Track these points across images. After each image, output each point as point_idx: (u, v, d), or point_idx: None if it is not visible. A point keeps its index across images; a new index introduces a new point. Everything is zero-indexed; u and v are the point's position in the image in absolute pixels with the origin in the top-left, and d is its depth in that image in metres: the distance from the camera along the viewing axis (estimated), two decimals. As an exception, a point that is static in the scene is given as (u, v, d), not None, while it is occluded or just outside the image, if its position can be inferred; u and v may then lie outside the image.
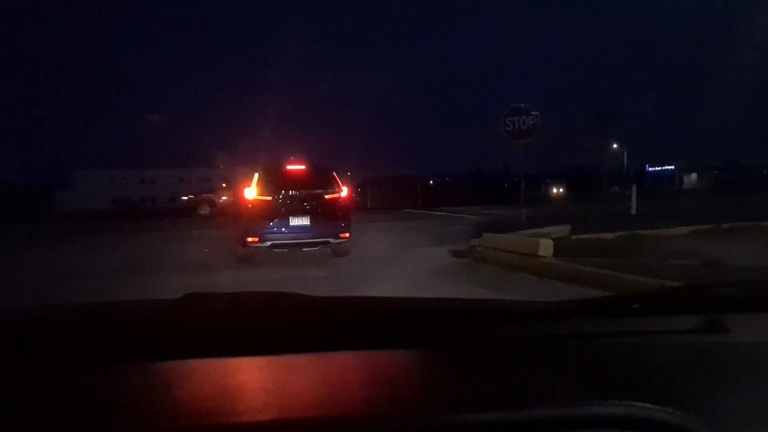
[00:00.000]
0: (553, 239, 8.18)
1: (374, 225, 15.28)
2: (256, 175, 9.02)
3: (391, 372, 0.97)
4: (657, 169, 65.80)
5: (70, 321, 1.18)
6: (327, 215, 8.89)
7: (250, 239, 8.57)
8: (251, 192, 8.83)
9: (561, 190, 52.11)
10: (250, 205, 8.79)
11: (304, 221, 8.75)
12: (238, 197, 9.40)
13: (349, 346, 1.04)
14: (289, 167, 9.40)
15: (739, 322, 1.12)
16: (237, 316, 1.17)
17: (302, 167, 9.46)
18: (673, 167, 65.64)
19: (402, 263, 8.43)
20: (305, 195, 8.92)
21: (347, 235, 9.00)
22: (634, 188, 14.51)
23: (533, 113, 11.30)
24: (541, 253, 7.01)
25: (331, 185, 9.28)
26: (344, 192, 9.29)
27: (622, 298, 1.44)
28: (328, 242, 8.89)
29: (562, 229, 10.03)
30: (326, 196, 9.09)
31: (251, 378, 0.94)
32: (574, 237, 9.52)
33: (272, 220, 8.64)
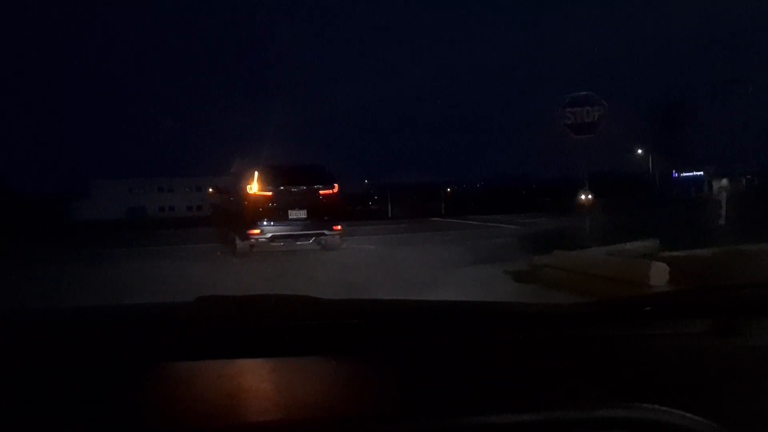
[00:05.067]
0: (641, 257, 6.28)
1: (402, 237, 13.42)
2: (256, 172, 9.53)
3: (405, 374, 0.95)
4: (685, 175, 62.78)
5: (83, 323, 1.20)
6: (322, 209, 9.63)
7: (252, 231, 9.11)
8: (253, 188, 9.38)
9: (590, 196, 49.02)
10: (251, 200, 9.33)
11: (302, 214, 9.46)
12: (237, 194, 10.01)
13: (363, 349, 1.05)
14: (287, 165, 10.15)
15: (753, 325, 1.11)
16: (249, 319, 1.18)
17: (298, 165, 10.33)
18: (701, 173, 62.36)
19: (451, 291, 6.49)
20: (302, 190, 9.67)
21: (340, 227, 9.83)
22: (723, 193, 12.31)
23: (599, 103, 9.38)
24: (653, 281, 5.04)
25: (324, 181, 9.94)
26: (336, 188, 10.04)
27: (634, 300, 1.43)
28: (324, 234, 9.64)
29: (648, 245, 8.03)
30: (321, 192, 9.79)
31: (263, 380, 0.93)
32: (664, 254, 7.51)
33: (273, 213, 9.32)
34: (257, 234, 9.13)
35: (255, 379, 0.93)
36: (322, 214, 9.53)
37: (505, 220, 19.11)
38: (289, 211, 9.36)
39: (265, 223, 9.18)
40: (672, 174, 61.43)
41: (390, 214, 29.40)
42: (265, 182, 9.45)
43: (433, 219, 21.93)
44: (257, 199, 9.33)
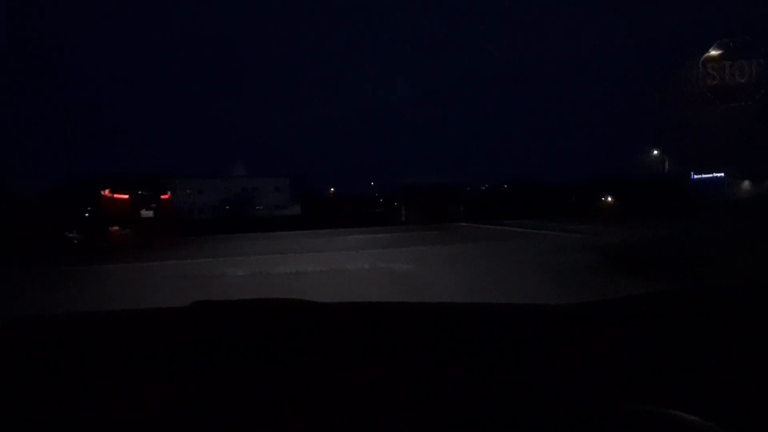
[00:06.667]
0: None
1: (439, 251, 10.31)
2: (115, 181, 14.15)
3: (404, 377, 0.94)
4: (704, 176, 59.63)
5: (79, 329, 1.22)
6: (162, 209, 14.31)
7: (115, 227, 12.68)
8: (114, 192, 13.75)
9: (610, 199, 45.67)
10: (112, 202, 13.52)
11: (150, 213, 13.91)
12: (97, 197, 13.95)
13: (362, 352, 1.05)
14: (136, 175, 14.84)
15: (752, 325, 1.11)
16: (245, 324, 1.17)
17: (144, 175, 15.03)
18: (722, 174, 59.05)
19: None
20: (148, 195, 14.24)
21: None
22: None
23: (758, 56, 6.29)
24: None
25: (163, 189, 14.71)
26: (169, 195, 15.03)
27: (632, 300, 1.42)
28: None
29: None
30: (162, 196, 14.60)
31: (258, 384, 0.93)
32: None
33: (129, 212, 13.35)
34: (117, 229, 12.39)
35: (251, 384, 0.91)
36: (162, 213, 13.70)
37: (549, 226, 15.95)
38: (141, 211, 13.30)
39: (123, 219, 12.52)
40: (690, 175, 58.35)
41: (404, 219, 26.39)
42: (121, 189, 13.44)
43: (462, 225, 18.69)
44: (116, 202, 13.02)
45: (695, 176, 56.77)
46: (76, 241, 12.59)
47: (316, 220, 25.18)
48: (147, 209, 13.65)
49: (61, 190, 17.33)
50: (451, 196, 29.13)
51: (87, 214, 13.47)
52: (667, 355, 1.02)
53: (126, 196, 13.55)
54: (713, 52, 6.52)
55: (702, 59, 6.53)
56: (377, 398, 0.83)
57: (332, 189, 53.75)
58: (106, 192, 13.47)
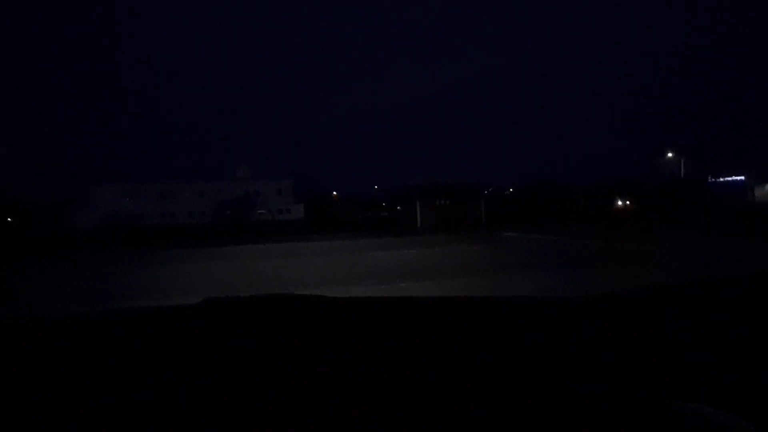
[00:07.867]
0: None
1: (531, 281, 6.75)
2: None
3: (417, 369, 0.94)
4: (722, 180, 56.15)
5: (93, 327, 1.24)
6: None
7: None
8: None
9: (628, 202, 41.94)
10: None
11: None
12: None
13: (371, 345, 1.04)
14: None
15: (757, 316, 1.10)
16: (256, 319, 1.19)
17: None
18: (742, 177, 55.49)
19: None
20: None
21: None
22: None
23: None
24: None
25: None
26: None
27: (638, 292, 1.44)
28: None
29: None
30: None
31: (274, 376, 0.93)
32: None
33: None
34: None
35: (264, 378, 0.91)
36: None
37: (624, 237, 12.38)
38: None
39: None
40: (708, 179, 54.81)
41: (420, 224, 22.99)
42: None
43: (509, 234, 14.87)
44: None
45: (712, 180, 53.19)
46: None
47: (321, 227, 21.82)
48: None
49: None
50: (465, 198, 25.44)
51: None
52: (674, 348, 1.00)
53: None
54: None
55: None
56: (389, 389, 0.83)
57: (335, 193, 50.54)
58: None
